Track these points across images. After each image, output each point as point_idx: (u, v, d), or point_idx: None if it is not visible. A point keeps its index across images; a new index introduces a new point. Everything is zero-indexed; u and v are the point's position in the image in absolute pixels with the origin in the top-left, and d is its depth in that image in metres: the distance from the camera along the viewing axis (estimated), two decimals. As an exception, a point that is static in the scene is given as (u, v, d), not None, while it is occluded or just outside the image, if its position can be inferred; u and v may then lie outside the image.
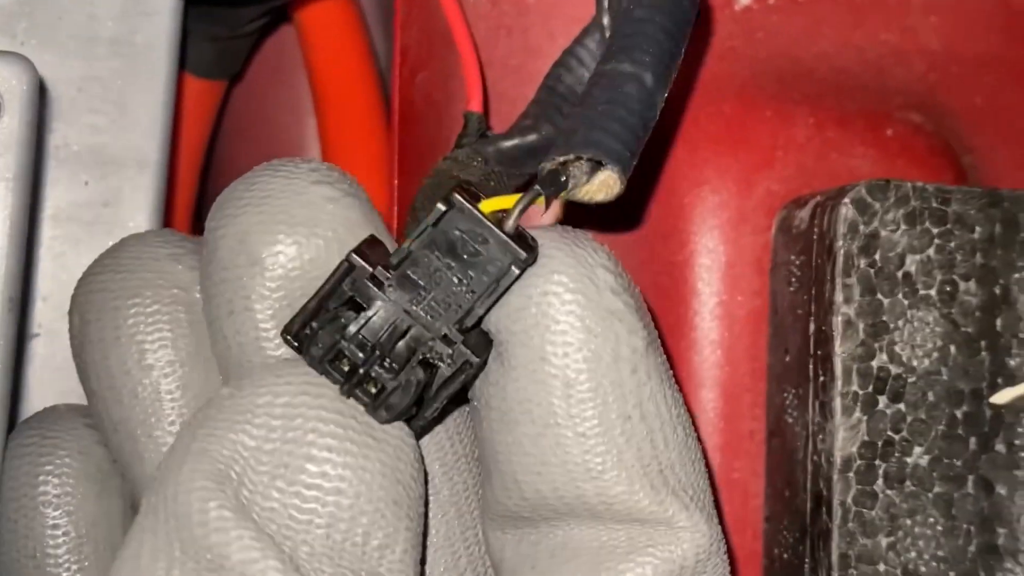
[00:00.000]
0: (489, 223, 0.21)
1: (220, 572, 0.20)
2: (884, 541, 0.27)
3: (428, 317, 0.21)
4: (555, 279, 0.21)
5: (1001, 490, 0.28)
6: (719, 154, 0.32)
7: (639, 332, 0.22)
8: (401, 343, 0.21)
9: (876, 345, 0.27)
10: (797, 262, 0.29)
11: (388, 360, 0.21)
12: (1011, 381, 0.28)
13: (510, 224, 0.21)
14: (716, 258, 0.31)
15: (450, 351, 0.21)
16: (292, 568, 0.20)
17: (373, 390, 0.21)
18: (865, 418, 0.27)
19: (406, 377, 0.21)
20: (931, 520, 0.27)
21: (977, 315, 0.28)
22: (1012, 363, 0.28)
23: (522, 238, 0.21)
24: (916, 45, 0.35)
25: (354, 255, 0.21)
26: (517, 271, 0.21)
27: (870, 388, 0.27)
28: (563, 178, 0.22)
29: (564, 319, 0.21)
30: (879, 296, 0.27)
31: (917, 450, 0.27)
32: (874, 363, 0.27)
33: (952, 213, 0.28)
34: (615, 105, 0.23)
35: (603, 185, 0.23)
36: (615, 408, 0.21)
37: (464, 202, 0.21)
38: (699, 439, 0.24)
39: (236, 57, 0.41)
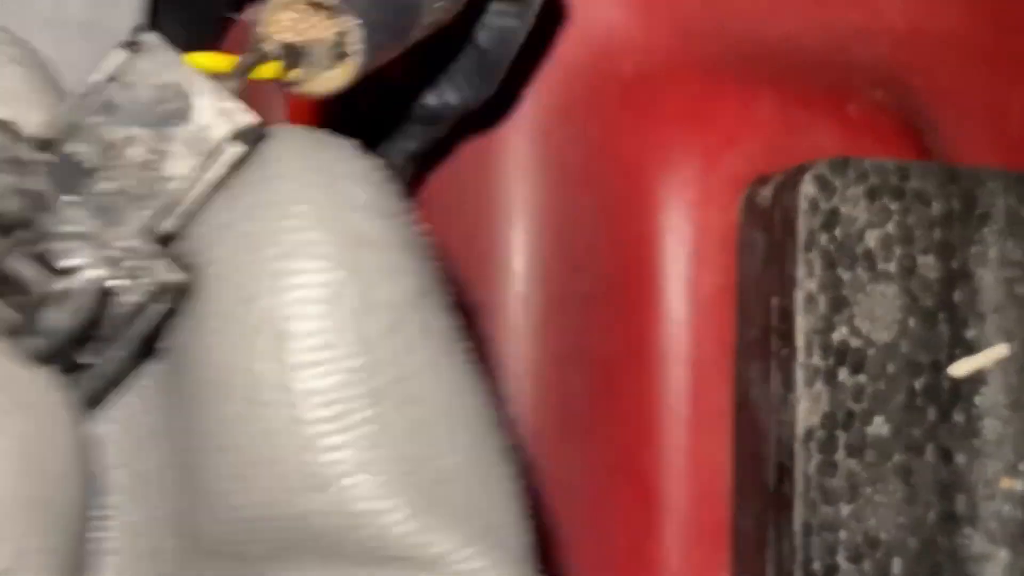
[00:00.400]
0: (199, 74, 0.15)
1: None
2: (845, 509, 0.27)
3: (100, 219, 0.15)
4: (278, 180, 0.15)
5: (960, 459, 0.29)
6: (684, 133, 0.33)
7: (407, 277, 0.15)
8: (60, 247, 0.15)
9: (837, 319, 0.28)
10: (761, 239, 0.30)
11: (36, 274, 0.15)
12: (969, 353, 0.29)
13: (231, 84, 0.16)
14: (682, 236, 0.32)
15: (134, 266, 0.15)
16: None
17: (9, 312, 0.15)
18: (826, 390, 0.27)
19: (69, 293, 0.14)
20: (891, 488, 0.28)
21: (935, 289, 0.28)
22: (970, 335, 0.29)
23: (242, 112, 0.16)
24: (881, 24, 0.35)
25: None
26: (235, 150, 0.15)
27: (831, 360, 0.27)
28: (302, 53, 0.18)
29: (288, 239, 0.15)
30: (839, 271, 0.28)
31: (877, 420, 0.28)
32: (835, 336, 0.27)
33: (911, 189, 0.28)
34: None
35: (343, 73, 0.18)
36: (364, 380, 0.15)
37: (159, 42, 0.15)
38: (508, 469, 0.17)
39: (207, 40, 0.41)
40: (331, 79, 0.18)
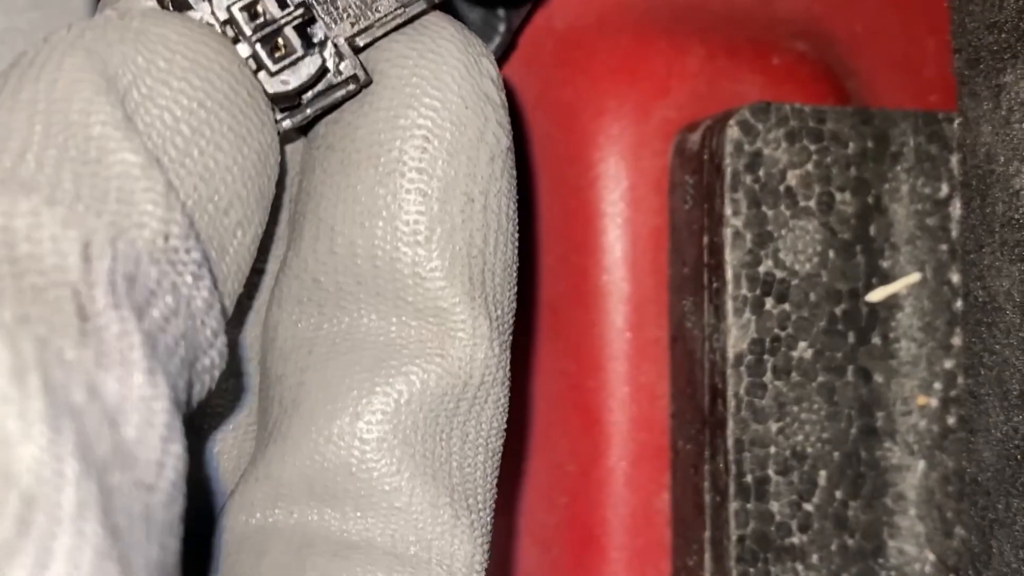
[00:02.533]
0: None
1: (95, 166, 0.18)
2: (774, 426, 0.30)
3: (330, 19, 0.20)
4: (446, 43, 0.21)
5: (878, 378, 0.31)
6: (618, 84, 0.34)
7: (506, 131, 0.21)
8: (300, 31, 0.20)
9: (762, 253, 0.30)
10: (691, 181, 0.32)
11: (285, 42, 0.20)
12: (885, 281, 0.31)
13: None
14: (619, 181, 0.34)
15: (340, 61, 0.20)
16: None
17: (274, 57, 0.20)
18: (754, 318, 0.30)
19: (308, 57, 0.20)
20: (816, 407, 0.30)
21: (852, 223, 0.31)
22: (885, 265, 0.31)
23: None
24: None
25: None
26: (425, 6, 0.21)
27: (758, 291, 0.30)
28: None
29: (444, 78, 0.20)
30: (764, 208, 0.30)
31: (801, 344, 0.30)
32: (761, 269, 0.30)
33: (828, 131, 0.31)
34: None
35: None
36: (463, 182, 0.20)
37: None
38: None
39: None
40: None
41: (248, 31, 0.19)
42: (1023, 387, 0.27)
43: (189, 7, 0.20)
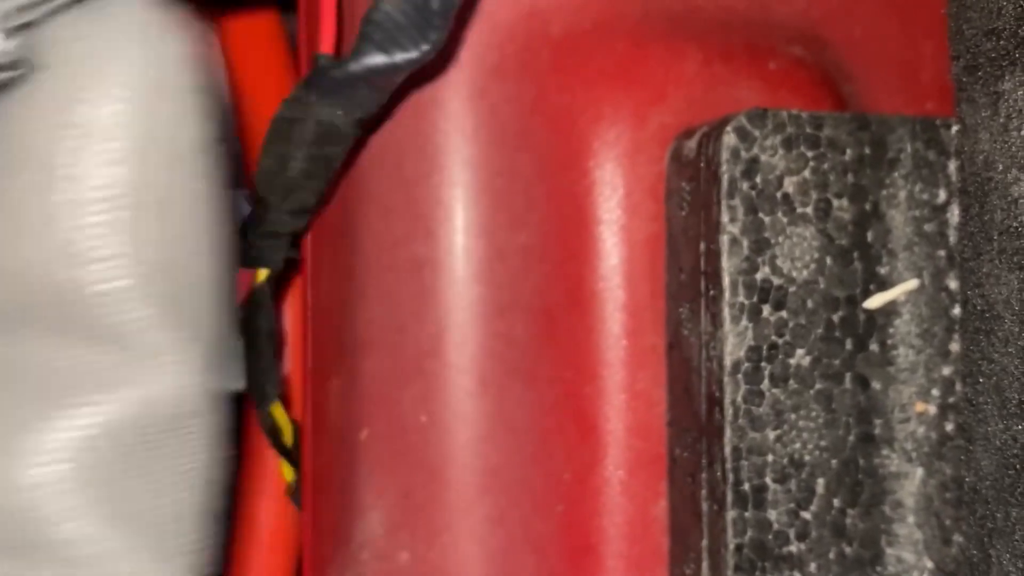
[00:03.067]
0: None
1: None
2: (772, 434, 0.30)
3: None
4: (124, 18, 0.18)
5: (876, 385, 0.31)
6: (614, 90, 0.34)
7: (200, 122, 0.19)
8: None
9: (759, 259, 0.30)
10: (688, 188, 0.32)
11: None
12: (882, 287, 0.31)
13: None
14: (615, 187, 0.34)
15: None
16: None
17: None
18: (751, 325, 0.29)
19: None
20: (813, 414, 0.30)
21: (850, 229, 0.31)
22: (882, 271, 0.31)
23: None
24: None
25: None
26: None
27: (755, 298, 0.30)
28: None
29: (117, 66, 0.17)
30: (761, 215, 0.30)
31: (799, 352, 0.30)
32: (758, 276, 0.29)
33: (825, 137, 0.30)
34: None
35: None
36: (150, 188, 0.18)
37: None
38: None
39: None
40: None
41: None
42: (1022, 396, 0.27)
43: None
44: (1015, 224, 0.27)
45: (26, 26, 0.17)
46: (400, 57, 0.29)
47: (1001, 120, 0.28)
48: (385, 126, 0.34)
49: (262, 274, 0.32)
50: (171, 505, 0.19)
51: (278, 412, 0.32)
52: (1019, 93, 0.27)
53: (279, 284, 0.34)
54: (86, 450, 0.17)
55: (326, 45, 0.30)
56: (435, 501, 0.33)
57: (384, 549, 0.33)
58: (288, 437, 0.32)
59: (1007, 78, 0.27)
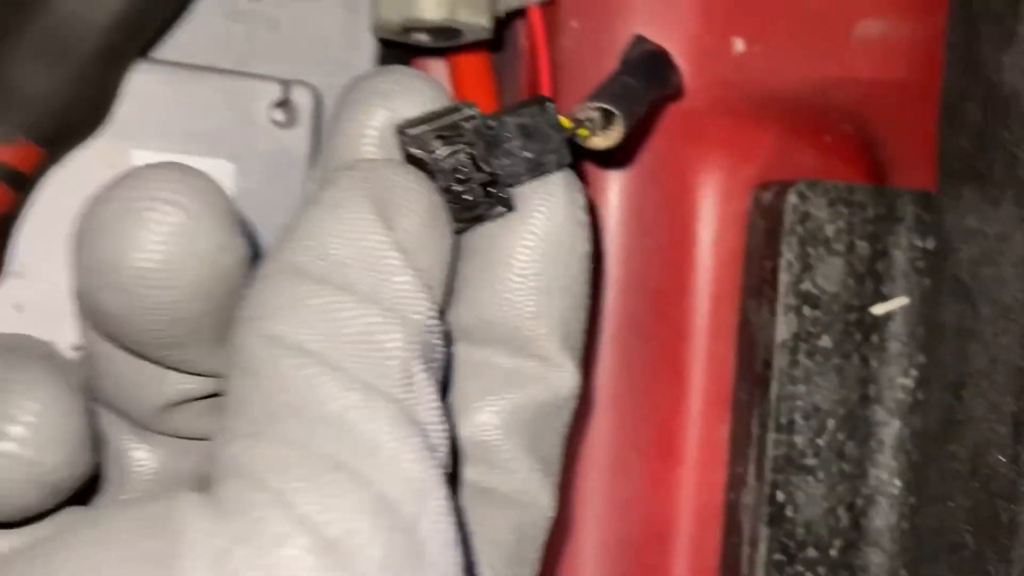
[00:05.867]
0: (561, 127, 0.29)
1: (384, 277, 0.24)
2: (802, 388, 0.46)
3: (492, 167, 0.28)
4: (556, 186, 0.29)
5: (874, 363, 0.47)
6: (717, 150, 0.50)
7: (590, 243, 0.29)
8: (474, 172, 0.28)
9: (804, 276, 0.46)
10: (762, 224, 0.48)
11: (462, 183, 0.27)
12: (885, 299, 0.47)
13: (566, 135, 0.29)
14: (712, 217, 0.50)
15: (499, 203, 0.28)
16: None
17: (462, 202, 0.28)
18: (795, 318, 0.46)
19: (474, 195, 0.28)
20: (830, 378, 0.47)
21: (866, 262, 0.47)
22: (885, 290, 0.47)
23: (568, 147, 0.29)
24: (851, 75, 0.51)
25: (470, 104, 0.28)
26: (559, 169, 0.29)
27: (799, 301, 0.46)
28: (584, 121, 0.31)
29: (553, 210, 0.28)
30: (808, 248, 0.46)
31: (824, 338, 0.46)
32: (802, 287, 0.46)
33: (855, 200, 0.47)
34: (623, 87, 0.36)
35: (613, 134, 0.32)
36: (561, 278, 0.28)
37: (551, 106, 0.29)
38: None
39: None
40: (607, 139, 0.32)
41: (455, 187, 0.28)
42: (960, 372, 0.44)
43: (423, 165, 0.27)
44: (967, 266, 0.44)
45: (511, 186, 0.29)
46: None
47: (963, 223, 0.44)
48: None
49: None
50: (555, 448, 0.30)
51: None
52: (969, 216, 0.43)
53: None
54: (519, 412, 0.29)
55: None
56: (576, 413, 0.50)
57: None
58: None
59: (966, 189, 0.43)
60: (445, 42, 0.43)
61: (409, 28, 0.41)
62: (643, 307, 0.50)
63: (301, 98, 0.44)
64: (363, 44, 0.49)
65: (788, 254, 0.46)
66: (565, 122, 0.29)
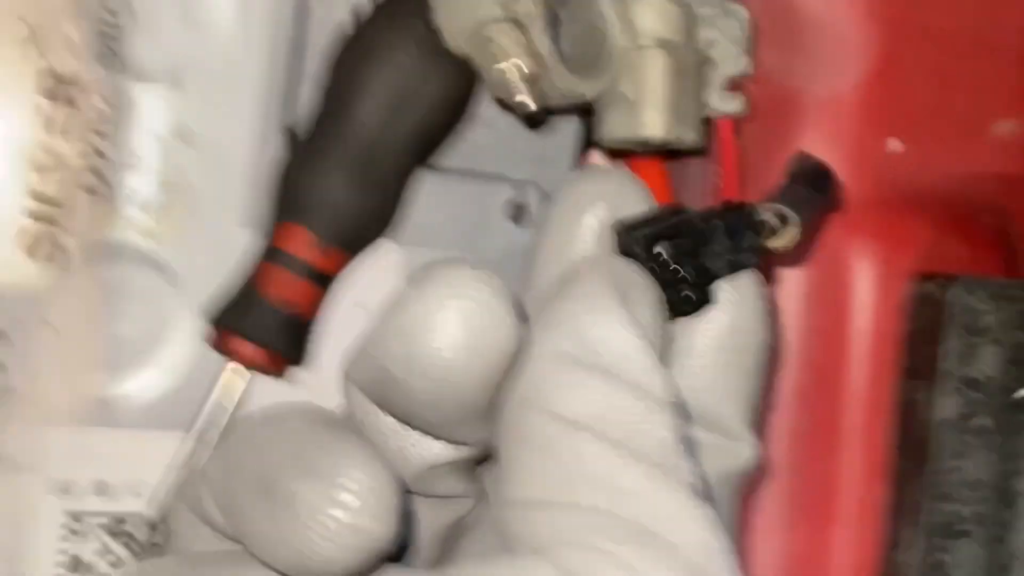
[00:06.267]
0: (759, 230, 0.33)
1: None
2: (961, 462, 0.51)
3: (701, 266, 0.31)
4: (747, 284, 0.32)
5: (1020, 441, 0.53)
6: (876, 240, 0.56)
7: (771, 334, 0.32)
8: (685, 271, 0.30)
9: (966, 361, 0.51)
10: (923, 312, 0.53)
11: (674, 282, 0.30)
12: (1031, 383, 0.53)
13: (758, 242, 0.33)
14: (868, 303, 0.55)
15: (699, 290, 0.31)
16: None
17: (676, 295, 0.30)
18: (958, 399, 0.51)
19: (680, 291, 0.30)
20: (985, 452, 0.52)
21: (1019, 347, 0.52)
22: (1032, 374, 0.53)
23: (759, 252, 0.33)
24: (991, 170, 0.54)
25: (684, 208, 0.31)
26: (751, 264, 0.32)
27: (961, 384, 0.51)
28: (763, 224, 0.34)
29: (747, 306, 0.32)
30: (969, 337, 0.52)
31: (983, 417, 0.52)
32: (965, 372, 0.51)
33: (1012, 294, 0.52)
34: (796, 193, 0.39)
35: (789, 236, 0.35)
36: (751, 364, 0.32)
37: (753, 211, 0.33)
38: None
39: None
40: (783, 241, 0.35)
41: (668, 285, 0.31)
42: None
43: (641, 263, 0.30)
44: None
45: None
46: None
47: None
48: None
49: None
50: (734, 509, 0.33)
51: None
52: None
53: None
54: (718, 486, 0.32)
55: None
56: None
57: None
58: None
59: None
60: (655, 151, 0.49)
61: (630, 142, 0.47)
62: (806, 381, 0.56)
63: (531, 197, 0.49)
64: (565, 141, 0.54)
65: (952, 342, 0.51)
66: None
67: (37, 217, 0.40)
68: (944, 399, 0.51)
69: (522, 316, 0.27)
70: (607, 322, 0.26)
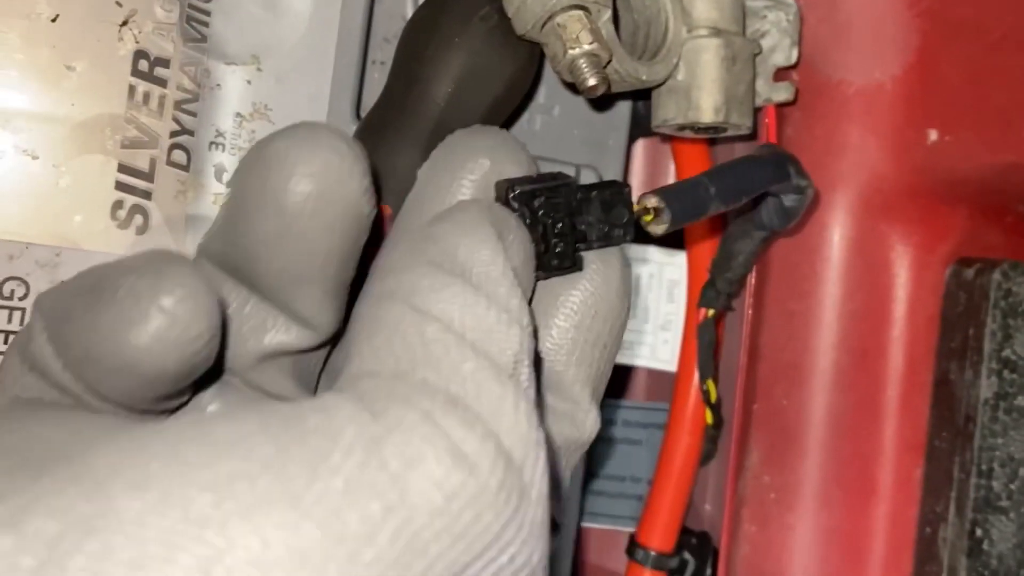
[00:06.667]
0: (631, 208, 0.34)
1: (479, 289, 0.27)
2: (1000, 440, 0.53)
3: (573, 231, 0.32)
4: (613, 259, 0.33)
5: (1056, 420, 0.55)
6: (915, 229, 0.58)
7: (628, 311, 0.33)
8: (557, 232, 0.32)
9: (1006, 343, 0.53)
10: (964, 296, 0.55)
11: (545, 239, 0.32)
12: (1067, 365, 0.55)
13: (634, 214, 0.34)
14: (911, 287, 0.57)
15: (568, 253, 0.32)
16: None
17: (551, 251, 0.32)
18: (996, 380, 0.53)
19: (549, 251, 0.32)
20: (1020, 431, 0.54)
21: (1054, 331, 0.54)
22: (1069, 356, 0.55)
23: (635, 227, 0.34)
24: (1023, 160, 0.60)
25: (567, 175, 0.32)
26: (621, 241, 0.33)
27: (1000, 365, 0.53)
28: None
29: (614, 279, 0.32)
30: (1009, 320, 0.53)
31: (1020, 397, 0.54)
32: (1004, 353, 0.53)
33: (1047, 278, 0.54)
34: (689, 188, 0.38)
35: (661, 225, 0.35)
36: (604, 336, 0.32)
37: (628, 190, 0.33)
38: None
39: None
40: (658, 228, 0.35)
41: (539, 242, 0.32)
42: None
43: (513, 210, 0.31)
44: None
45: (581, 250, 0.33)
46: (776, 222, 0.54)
47: None
48: (774, 260, 0.58)
49: (711, 312, 0.56)
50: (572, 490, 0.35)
51: (710, 384, 0.56)
52: None
53: (717, 320, 0.59)
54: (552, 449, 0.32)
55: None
56: (790, 451, 0.57)
57: (756, 470, 0.57)
58: (713, 397, 0.57)
59: None
60: (707, 136, 0.50)
61: (685, 127, 0.49)
62: (848, 362, 0.57)
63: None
64: (618, 127, 0.56)
65: (992, 325, 0.53)
66: (635, 206, 0.34)
67: (127, 190, 0.42)
68: (982, 380, 0.53)
69: (377, 188, 0.29)
70: (479, 244, 0.27)
